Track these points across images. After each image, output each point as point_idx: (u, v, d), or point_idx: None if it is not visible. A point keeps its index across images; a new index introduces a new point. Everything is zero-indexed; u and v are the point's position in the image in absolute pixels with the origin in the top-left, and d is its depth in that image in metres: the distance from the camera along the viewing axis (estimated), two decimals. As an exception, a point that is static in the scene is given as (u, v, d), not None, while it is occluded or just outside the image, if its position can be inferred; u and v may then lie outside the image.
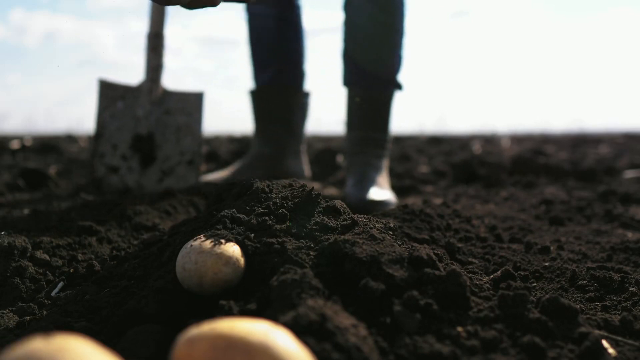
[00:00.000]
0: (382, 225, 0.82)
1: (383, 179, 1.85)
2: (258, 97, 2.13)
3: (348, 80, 1.90)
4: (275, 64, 2.06)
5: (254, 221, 0.75)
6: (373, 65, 1.84)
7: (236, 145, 5.18)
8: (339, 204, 0.83)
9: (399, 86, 1.91)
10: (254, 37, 2.09)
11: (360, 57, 1.85)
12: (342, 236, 0.71)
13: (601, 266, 0.97)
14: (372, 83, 1.86)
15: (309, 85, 2.20)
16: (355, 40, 1.85)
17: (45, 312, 0.78)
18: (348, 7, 1.86)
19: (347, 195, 1.77)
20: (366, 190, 1.71)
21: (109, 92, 1.95)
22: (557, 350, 0.58)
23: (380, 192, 1.73)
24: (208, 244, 0.67)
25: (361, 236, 0.71)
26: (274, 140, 2.05)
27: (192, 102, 1.98)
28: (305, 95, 2.15)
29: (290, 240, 0.72)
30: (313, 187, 0.83)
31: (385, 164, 1.91)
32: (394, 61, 1.87)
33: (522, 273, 0.91)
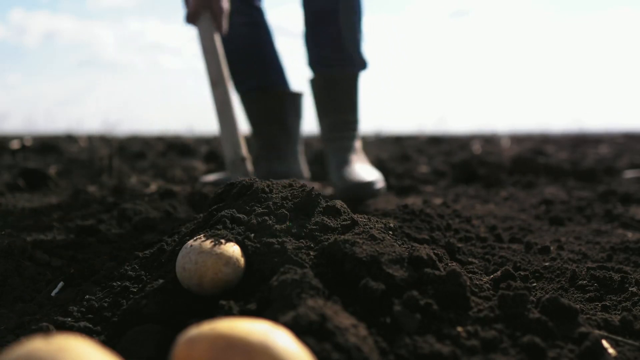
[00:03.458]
0: (382, 225, 0.82)
1: (362, 159, 1.89)
2: (248, 102, 2.10)
3: (311, 63, 1.92)
4: (256, 69, 2.04)
5: (254, 221, 0.75)
6: (334, 46, 1.85)
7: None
8: (339, 204, 0.83)
9: (363, 64, 1.91)
10: (230, 48, 2.07)
11: (322, 39, 1.86)
12: (342, 236, 0.71)
13: (601, 266, 0.97)
14: (335, 64, 1.86)
15: (304, 86, 2.18)
16: (314, 21, 1.87)
17: (45, 312, 0.78)
18: None
19: (335, 183, 1.78)
20: (353, 172, 1.73)
21: None
22: (557, 350, 0.58)
23: (368, 171, 1.76)
24: (208, 244, 0.67)
25: (361, 236, 0.71)
26: (270, 142, 2.03)
27: None
28: (295, 95, 2.12)
29: (290, 240, 0.72)
30: (313, 187, 0.83)
31: (358, 144, 1.94)
32: (353, 41, 1.87)
33: (522, 273, 0.91)
